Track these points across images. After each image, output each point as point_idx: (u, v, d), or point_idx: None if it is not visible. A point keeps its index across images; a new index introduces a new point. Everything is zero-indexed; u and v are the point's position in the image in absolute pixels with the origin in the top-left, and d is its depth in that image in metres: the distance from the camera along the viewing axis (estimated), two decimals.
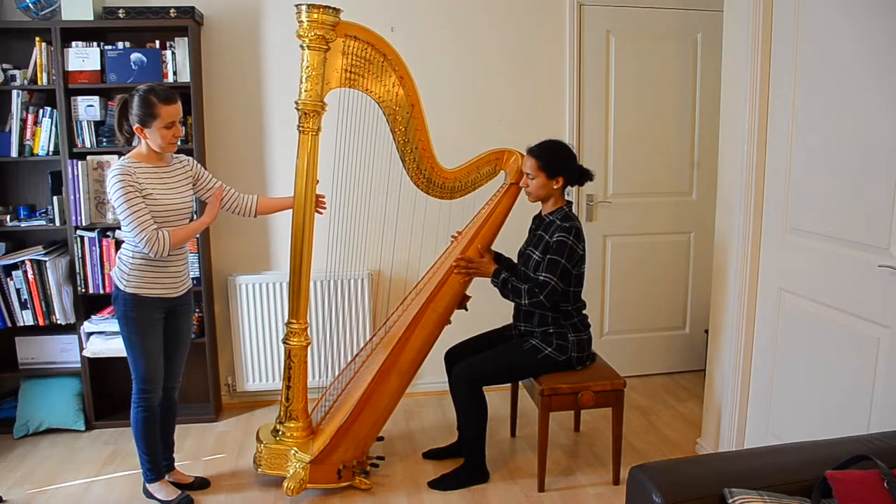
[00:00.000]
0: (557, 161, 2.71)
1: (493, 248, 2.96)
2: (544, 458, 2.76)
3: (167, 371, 2.66)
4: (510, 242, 3.01)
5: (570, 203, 2.80)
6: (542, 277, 2.63)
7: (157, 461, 2.67)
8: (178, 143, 2.50)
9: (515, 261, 2.94)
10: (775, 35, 2.55)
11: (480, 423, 2.76)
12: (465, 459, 2.85)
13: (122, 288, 2.49)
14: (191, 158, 2.67)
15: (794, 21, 2.43)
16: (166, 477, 2.77)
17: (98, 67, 3.15)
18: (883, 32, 2.06)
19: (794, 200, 2.48)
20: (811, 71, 2.37)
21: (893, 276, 2.02)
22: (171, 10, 3.13)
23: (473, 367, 2.74)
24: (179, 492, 2.70)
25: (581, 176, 2.78)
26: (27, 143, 3.17)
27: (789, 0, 2.45)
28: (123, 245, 2.53)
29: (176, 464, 2.84)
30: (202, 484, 2.83)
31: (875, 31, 2.09)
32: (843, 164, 2.23)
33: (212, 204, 2.64)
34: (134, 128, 2.43)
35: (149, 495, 2.70)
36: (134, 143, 2.53)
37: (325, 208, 2.75)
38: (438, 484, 2.82)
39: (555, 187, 2.72)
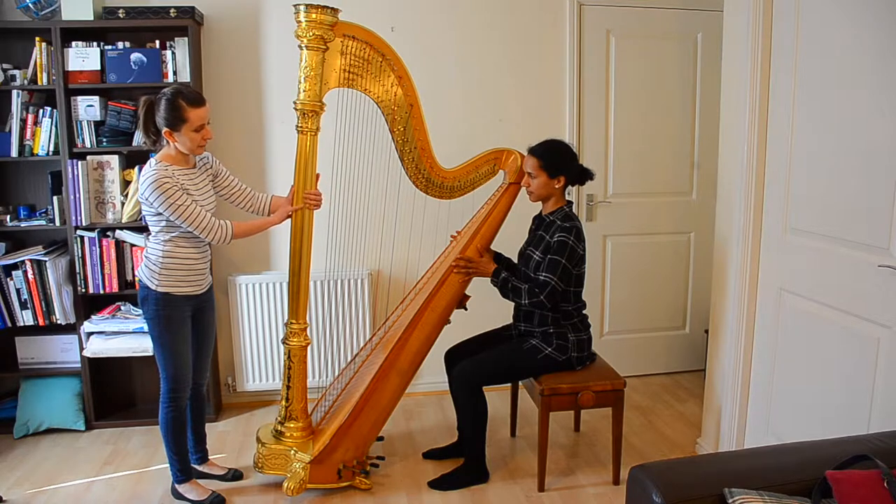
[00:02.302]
0: (559, 160, 2.72)
1: (493, 247, 2.96)
2: (544, 458, 2.76)
3: (195, 368, 2.67)
4: (510, 242, 3.01)
5: (570, 203, 2.80)
6: (542, 277, 2.63)
7: (187, 462, 2.66)
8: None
9: (516, 261, 2.94)
10: (775, 35, 2.55)
11: (480, 422, 2.76)
12: (465, 459, 2.85)
13: (153, 287, 2.47)
14: (209, 154, 2.62)
15: (794, 21, 2.43)
16: (201, 467, 2.79)
17: (98, 67, 3.15)
18: (883, 32, 2.06)
19: (794, 200, 2.48)
20: (811, 71, 2.37)
21: (893, 276, 2.02)
22: (171, 10, 3.13)
23: (473, 367, 2.74)
24: (210, 491, 2.68)
25: (582, 175, 2.78)
26: (27, 143, 3.17)
27: (789, 0, 2.45)
28: (149, 245, 2.52)
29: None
30: (235, 475, 2.84)
31: (875, 31, 2.09)
32: (843, 163, 2.23)
33: (285, 208, 2.60)
34: (163, 132, 2.40)
35: (178, 496, 2.68)
36: (162, 145, 2.48)
37: (318, 205, 2.62)
38: (438, 484, 2.82)
39: (556, 187, 2.72)
